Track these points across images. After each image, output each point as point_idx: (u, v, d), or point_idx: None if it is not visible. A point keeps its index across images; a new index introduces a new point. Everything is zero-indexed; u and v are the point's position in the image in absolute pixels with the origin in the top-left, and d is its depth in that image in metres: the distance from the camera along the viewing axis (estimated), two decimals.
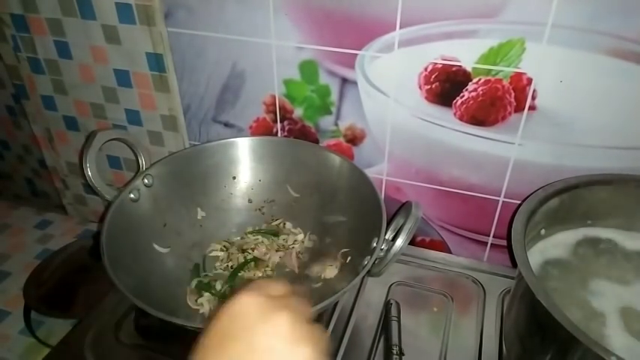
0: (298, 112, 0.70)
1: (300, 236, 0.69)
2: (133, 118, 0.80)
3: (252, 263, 0.65)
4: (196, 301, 0.61)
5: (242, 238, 0.70)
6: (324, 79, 0.66)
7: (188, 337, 0.53)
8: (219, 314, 0.29)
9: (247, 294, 0.29)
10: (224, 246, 0.68)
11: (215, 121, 0.76)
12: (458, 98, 0.60)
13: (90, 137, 0.63)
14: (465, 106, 0.61)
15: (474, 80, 0.59)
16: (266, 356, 0.27)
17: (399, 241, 0.53)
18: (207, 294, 0.61)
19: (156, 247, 0.63)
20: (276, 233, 0.69)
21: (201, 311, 0.60)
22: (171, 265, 0.64)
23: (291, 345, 0.27)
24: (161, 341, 0.59)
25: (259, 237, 0.69)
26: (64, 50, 0.77)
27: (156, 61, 0.72)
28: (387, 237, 0.56)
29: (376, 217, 0.56)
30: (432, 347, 0.59)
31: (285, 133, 0.73)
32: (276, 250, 0.67)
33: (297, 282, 0.64)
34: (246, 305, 0.28)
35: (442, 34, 0.57)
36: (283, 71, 0.67)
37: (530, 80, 0.56)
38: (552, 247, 0.57)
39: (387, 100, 0.64)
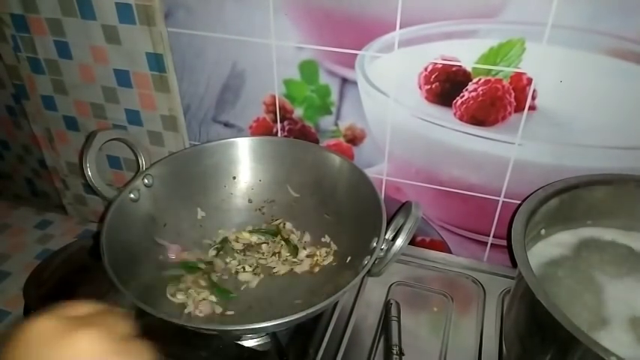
0: (298, 112, 0.70)
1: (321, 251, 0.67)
2: (133, 118, 0.80)
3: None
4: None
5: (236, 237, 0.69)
6: (324, 79, 0.66)
7: (188, 337, 0.54)
8: (12, 341, 0.26)
9: (41, 317, 0.27)
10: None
11: (215, 121, 0.76)
12: (458, 98, 0.60)
13: (90, 137, 0.63)
14: (465, 106, 0.61)
15: (474, 80, 0.59)
16: None
17: (399, 241, 0.53)
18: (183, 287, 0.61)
19: (158, 240, 0.63)
20: (275, 233, 0.69)
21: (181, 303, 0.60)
22: (171, 264, 0.64)
23: None
24: (161, 341, 0.59)
25: (260, 237, 0.69)
26: (64, 50, 0.77)
27: (156, 61, 0.72)
28: (387, 237, 0.56)
29: (376, 217, 0.56)
30: (432, 347, 0.59)
31: (285, 133, 0.73)
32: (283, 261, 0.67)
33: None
34: (41, 329, 0.26)
35: (442, 34, 0.57)
36: (283, 71, 0.67)
37: (530, 80, 0.56)
38: (552, 247, 0.57)
39: (387, 100, 0.64)
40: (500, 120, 0.60)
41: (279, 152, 0.71)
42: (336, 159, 0.67)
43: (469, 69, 0.58)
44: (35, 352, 0.25)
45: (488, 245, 0.72)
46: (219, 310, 0.59)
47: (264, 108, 0.72)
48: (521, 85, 0.57)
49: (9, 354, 0.26)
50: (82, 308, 0.28)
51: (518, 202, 0.64)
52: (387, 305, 0.64)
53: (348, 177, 0.66)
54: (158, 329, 0.60)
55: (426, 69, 0.60)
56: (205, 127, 0.77)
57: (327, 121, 0.70)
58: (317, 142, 0.72)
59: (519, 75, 0.56)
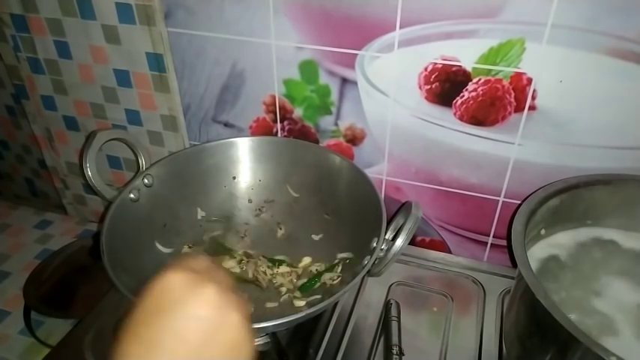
0: (298, 112, 0.70)
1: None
2: (133, 118, 0.80)
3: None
4: None
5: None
6: (324, 79, 0.66)
7: None
8: (146, 292, 0.30)
9: (172, 270, 0.30)
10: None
11: (215, 121, 0.76)
12: (458, 98, 0.60)
13: (90, 137, 0.63)
14: (464, 106, 0.61)
15: (474, 80, 0.59)
16: (196, 324, 0.28)
17: (399, 241, 0.53)
18: None
19: (158, 246, 0.63)
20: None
21: None
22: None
23: (219, 312, 0.29)
24: None
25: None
26: (64, 50, 0.77)
27: (156, 61, 0.72)
28: (387, 237, 0.56)
29: (376, 217, 0.56)
30: (432, 347, 0.59)
31: (285, 133, 0.73)
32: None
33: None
34: (172, 280, 0.30)
35: (442, 34, 0.57)
36: (283, 71, 0.67)
37: (530, 80, 0.56)
38: (552, 247, 0.57)
39: (387, 100, 0.64)
40: (500, 120, 0.60)
41: (279, 152, 0.71)
42: (336, 159, 0.67)
43: (469, 69, 0.58)
44: (168, 300, 0.29)
45: (488, 245, 0.72)
46: None
47: (264, 108, 0.72)
48: (521, 85, 0.57)
49: (145, 302, 0.30)
50: (199, 263, 0.33)
51: (518, 202, 0.64)
52: (387, 305, 0.64)
53: (348, 177, 0.66)
54: None
55: (425, 69, 0.60)
56: (205, 127, 0.77)
57: (327, 121, 0.70)
58: (317, 142, 0.72)
59: (519, 75, 0.56)
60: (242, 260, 0.65)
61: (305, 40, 0.63)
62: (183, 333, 0.28)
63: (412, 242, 0.74)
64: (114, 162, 0.88)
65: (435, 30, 0.57)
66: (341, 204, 0.67)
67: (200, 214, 0.70)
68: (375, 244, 0.54)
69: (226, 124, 0.75)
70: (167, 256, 0.64)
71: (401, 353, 0.56)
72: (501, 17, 0.54)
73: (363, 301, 0.66)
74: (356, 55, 0.62)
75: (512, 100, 0.58)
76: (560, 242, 0.57)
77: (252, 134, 0.74)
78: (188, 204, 0.69)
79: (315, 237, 0.68)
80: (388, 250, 0.53)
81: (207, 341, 0.28)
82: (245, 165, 0.72)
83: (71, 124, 0.87)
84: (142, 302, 0.30)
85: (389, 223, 0.57)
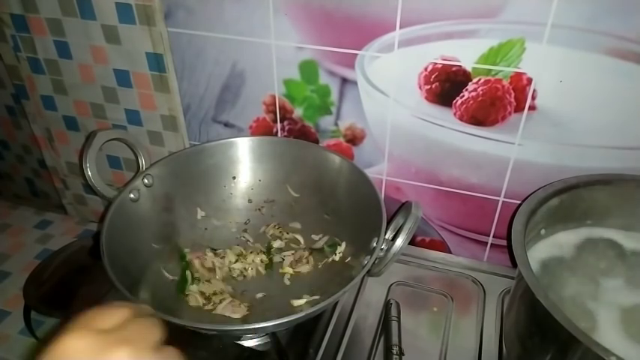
0: (298, 112, 0.70)
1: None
2: (133, 118, 0.80)
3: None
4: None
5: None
6: (324, 79, 0.66)
7: (188, 337, 0.53)
8: None
9: (72, 333, 0.24)
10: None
11: (215, 121, 0.76)
12: (458, 98, 0.60)
13: (90, 137, 0.63)
14: (464, 106, 0.61)
15: (474, 80, 0.59)
16: None
17: (399, 241, 0.53)
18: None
19: (165, 273, 0.63)
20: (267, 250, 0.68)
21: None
22: (171, 264, 0.64)
23: None
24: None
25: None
26: (64, 50, 0.77)
27: (156, 61, 0.72)
28: (387, 237, 0.56)
29: (376, 217, 0.56)
30: (432, 347, 0.59)
31: (285, 133, 0.73)
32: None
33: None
34: (75, 348, 0.24)
35: (442, 34, 0.57)
36: (283, 71, 0.67)
37: (530, 80, 0.56)
38: (552, 247, 0.57)
39: (387, 100, 0.64)
40: (500, 120, 0.60)
41: (279, 152, 0.71)
42: (336, 159, 0.67)
43: (469, 69, 0.58)
44: None
45: (488, 245, 0.72)
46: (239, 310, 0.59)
47: (264, 108, 0.72)
48: (521, 85, 0.57)
49: None
50: (110, 318, 0.26)
51: (518, 202, 0.64)
52: (387, 305, 0.64)
53: (348, 177, 0.66)
54: None
55: (425, 69, 0.60)
56: (205, 127, 0.77)
57: (327, 121, 0.70)
58: (317, 142, 0.72)
59: (519, 75, 0.56)
60: (241, 254, 0.66)
61: (305, 40, 0.63)
62: None
63: (412, 242, 0.74)
64: (114, 162, 0.88)
65: (435, 30, 0.57)
66: (341, 204, 0.67)
67: (200, 214, 0.70)
68: (375, 244, 0.54)
69: (226, 124, 0.75)
70: (168, 251, 0.64)
71: (401, 353, 0.56)
72: (501, 17, 0.54)
73: (363, 301, 0.66)
74: (356, 55, 0.62)
75: (512, 100, 0.58)
76: (560, 242, 0.57)
77: (252, 134, 0.74)
78: (188, 204, 0.69)
79: (315, 237, 0.68)
80: (388, 250, 0.53)
81: None
82: (245, 165, 0.72)
83: (71, 124, 0.87)
84: None
85: (389, 223, 0.57)
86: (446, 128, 0.63)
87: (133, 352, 0.24)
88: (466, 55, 0.57)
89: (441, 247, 0.75)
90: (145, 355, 0.24)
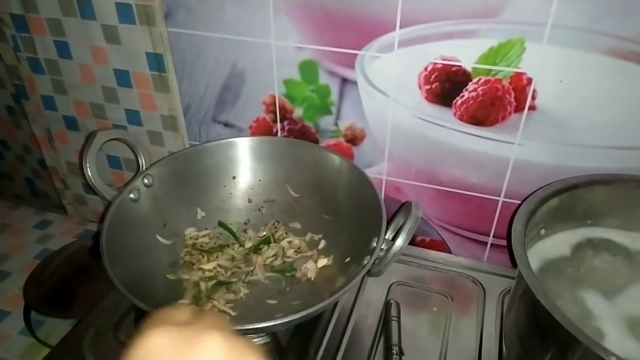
0: (298, 112, 0.70)
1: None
2: (133, 118, 0.80)
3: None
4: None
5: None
6: (324, 79, 0.66)
7: None
8: None
9: (155, 330, 0.24)
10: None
11: (215, 121, 0.76)
12: (458, 98, 0.60)
13: (90, 137, 0.63)
14: (464, 106, 0.61)
15: (474, 80, 0.59)
16: None
17: (399, 241, 0.53)
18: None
19: (159, 238, 0.63)
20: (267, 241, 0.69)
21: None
22: (171, 264, 0.64)
23: None
24: None
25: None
26: (64, 50, 0.77)
27: (156, 61, 0.72)
28: (387, 237, 0.56)
29: (376, 217, 0.56)
30: (432, 347, 0.59)
31: (285, 133, 0.73)
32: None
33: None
34: (161, 344, 0.23)
35: (442, 34, 0.57)
36: (283, 71, 0.67)
37: (530, 80, 0.56)
38: (552, 247, 0.57)
39: (387, 100, 0.64)
40: (500, 120, 0.60)
41: (279, 152, 0.71)
42: (336, 159, 0.67)
43: (469, 69, 0.58)
44: None
45: (488, 245, 0.72)
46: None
47: (264, 108, 0.72)
48: (521, 85, 0.57)
49: None
50: (181, 314, 0.26)
51: (518, 202, 0.64)
52: (387, 305, 0.64)
53: (348, 177, 0.66)
54: None
55: (425, 69, 0.60)
56: (205, 127, 0.77)
57: (327, 121, 0.70)
58: (317, 142, 0.72)
59: (519, 75, 0.56)
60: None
61: (305, 40, 0.63)
62: None
63: (412, 242, 0.74)
64: (114, 162, 0.88)
65: (435, 30, 0.57)
66: (341, 204, 0.67)
67: (200, 214, 0.70)
68: (375, 244, 0.54)
69: (226, 124, 0.75)
70: (168, 251, 0.64)
71: (401, 353, 0.56)
72: (501, 17, 0.54)
73: (363, 301, 0.66)
74: (356, 55, 0.62)
75: (512, 100, 0.58)
76: (560, 242, 0.57)
77: (252, 134, 0.74)
78: (188, 204, 0.69)
79: (315, 237, 0.68)
80: (388, 250, 0.53)
81: None
82: (245, 165, 0.72)
83: (71, 124, 0.87)
84: None
85: (389, 223, 0.57)
86: (446, 128, 0.63)
87: (224, 336, 0.24)
88: (466, 55, 0.57)
89: (441, 247, 0.75)
90: (230, 337, 0.24)
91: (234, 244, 0.68)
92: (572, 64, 0.54)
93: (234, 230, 0.69)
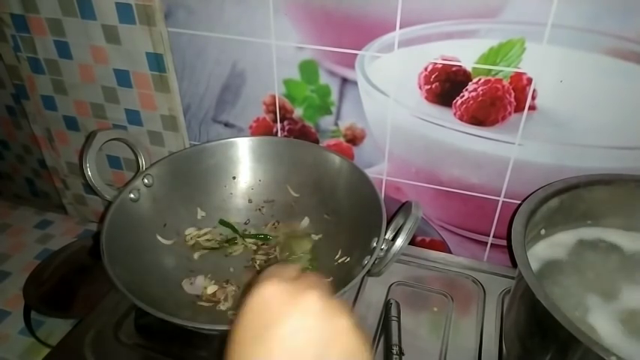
0: (298, 112, 0.70)
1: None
2: (133, 118, 0.80)
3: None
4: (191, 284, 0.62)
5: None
6: (324, 79, 0.66)
7: (188, 337, 0.53)
8: (245, 308, 0.28)
9: (268, 282, 0.29)
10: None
11: (215, 121, 0.76)
12: (458, 98, 0.60)
13: (90, 137, 0.63)
14: (465, 106, 0.61)
15: (474, 80, 0.59)
16: (307, 336, 0.26)
17: (399, 241, 0.53)
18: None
19: (159, 238, 0.63)
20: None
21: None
22: (171, 264, 0.64)
23: (327, 320, 0.27)
24: (161, 341, 0.59)
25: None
26: (64, 50, 0.77)
27: (156, 61, 0.72)
28: (387, 237, 0.56)
29: (376, 217, 0.56)
30: (432, 347, 0.59)
31: (285, 133, 0.73)
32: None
33: None
34: (272, 293, 0.28)
35: (442, 34, 0.57)
36: (283, 71, 0.67)
37: (530, 80, 0.56)
38: (552, 247, 0.57)
39: (387, 100, 0.64)
40: (500, 120, 0.60)
41: (279, 152, 0.71)
42: (336, 159, 0.67)
43: (469, 69, 0.58)
44: (271, 314, 0.27)
45: (488, 245, 0.72)
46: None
47: (264, 108, 0.72)
48: (521, 85, 0.57)
49: (246, 319, 0.28)
50: (290, 271, 0.31)
51: (518, 202, 0.64)
52: (387, 305, 0.64)
53: (348, 177, 0.66)
54: (158, 329, 0.60)
55: (426, 69, 0.60)
56: (205, 127, 0.77)
57: (327, 121, 0.70)
58: (317, 142, 0.72)
59: (519, 75, 0.56)
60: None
61: (305, 40, 0.63)
62: (295, 349, 0.26)
63: (412, 242, 0.74)
64: (114, 162, 0.88)
65: (435, 30, 0.57)
66: (341, 204, 0.67)
67: (200, 214, 0.70)
68: (375, 244, 0.54)
69: (226, 124, 0.75)
70: (168, 252, 0.64)
71: (401, 353, 0.56)
72: (501, 17, 0.54)
73: (363, 301, 0.65)
74: (356, 55, 0.62)
75: (513, 100, 0.58)
76: (560, 242, 0.57)
77: (252, 134, 0.74)
78: (188, 204, 0.69)
79: (315, 237, 0.68)
80: (388, 250, 0.53)
81: (322, 354, 0.26)
82: (245, 165, 0.72)
83: (71, 124, 0.87)
84: (241, 320, 0.28)
85: (389, 223, 0.57)
86: (446, 128, 0.63)
87: (321, 295, 0.28)
88: (466, 55, 0.57)
89: (441, 247, 0.75)
90: (327, 297, 0.28)
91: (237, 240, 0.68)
92: (573, 64, 0.54)
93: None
